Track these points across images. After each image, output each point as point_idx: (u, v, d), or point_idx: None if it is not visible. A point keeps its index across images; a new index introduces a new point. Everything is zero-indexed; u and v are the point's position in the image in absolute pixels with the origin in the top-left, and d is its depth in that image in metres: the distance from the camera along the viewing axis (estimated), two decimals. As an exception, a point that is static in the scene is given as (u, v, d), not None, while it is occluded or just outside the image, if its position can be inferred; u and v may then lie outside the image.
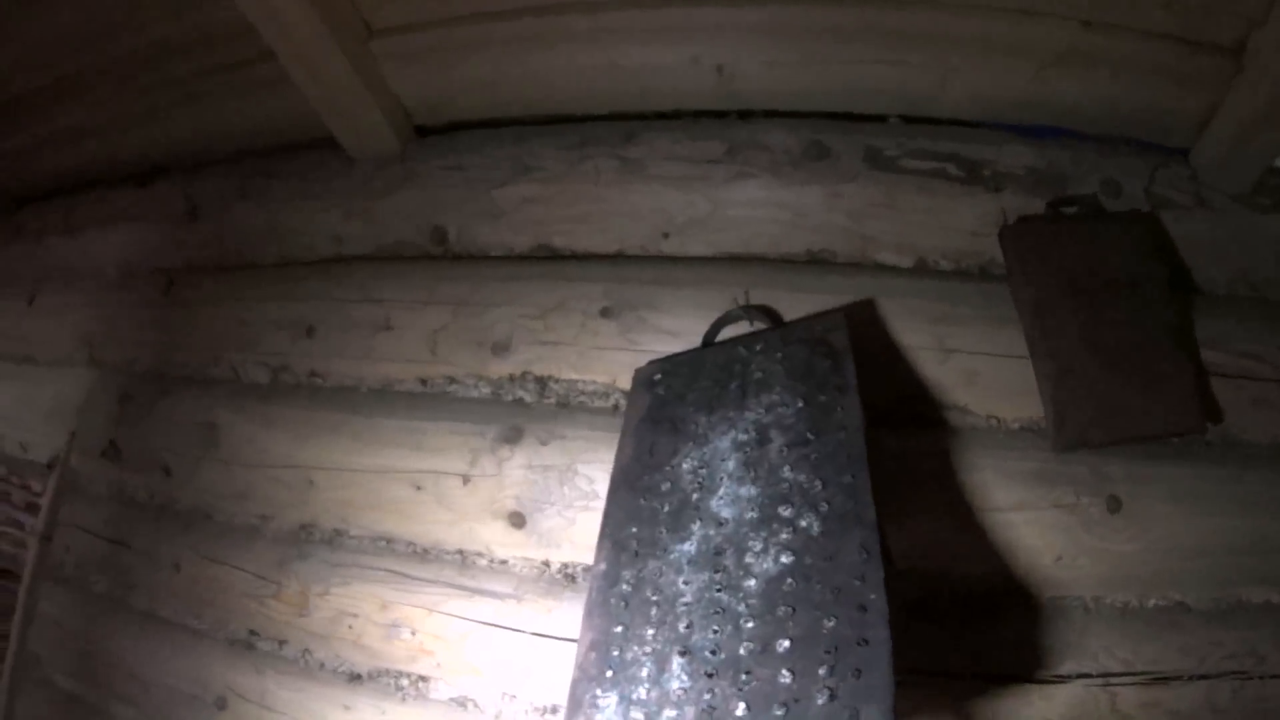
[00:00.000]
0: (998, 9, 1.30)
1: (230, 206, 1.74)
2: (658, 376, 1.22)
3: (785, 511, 1.00)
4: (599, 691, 0.96)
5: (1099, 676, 1.23)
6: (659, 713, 0.92)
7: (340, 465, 1.47)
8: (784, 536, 0.98)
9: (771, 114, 1.45)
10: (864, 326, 1.27)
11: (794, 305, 1.30)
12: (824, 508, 0.99)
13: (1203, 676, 1.26)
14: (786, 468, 1.04)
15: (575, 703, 0.97)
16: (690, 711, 0.90)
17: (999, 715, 1.21)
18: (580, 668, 0.99)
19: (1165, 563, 1.26)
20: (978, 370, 1.27)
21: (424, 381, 1.43)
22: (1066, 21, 1.31)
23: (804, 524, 0.99)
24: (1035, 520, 1.23)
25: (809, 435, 1.06)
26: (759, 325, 1.26)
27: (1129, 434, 1.23)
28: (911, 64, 1.36)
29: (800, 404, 1.10)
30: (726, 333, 1.28)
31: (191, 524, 1.60)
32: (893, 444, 1.23)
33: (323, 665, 1.42)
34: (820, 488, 1.01)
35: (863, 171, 1.37)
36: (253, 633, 1.49)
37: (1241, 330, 1.36)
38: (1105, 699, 1.22)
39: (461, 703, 1.33)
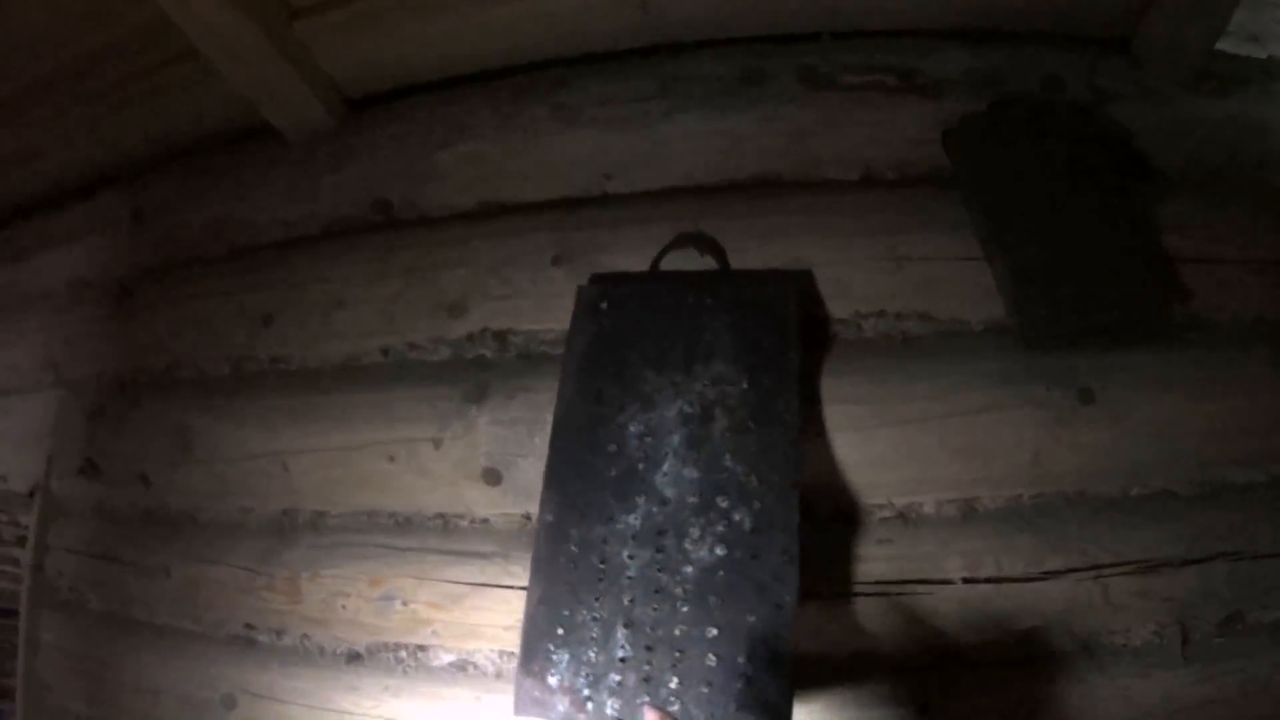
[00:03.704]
0: None
1: (176, 207, 1.70)
2: (604, 305, 1.21)
3: (723, 503, 1.10)
4: (552, 647, 1.08)
5: (1089, 569, 1.20)
6: (605, 675, 1.05)
7: (314, 447, 1.44)
8: (719, 529, 1.08)
9: (702, 44, 1.40)
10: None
11: (744, 230, 1.27)
12: (756, 505, 1.09)
13: (1194, 561, 1.24)
14: (728, 456, 1.12)
15: (530, 652, 1.08)
16: (631, 678, 1.04)
17: (996, 617, 1.19)
18: (531, 619, 1.09)
19: (1144, 451, 1.23)
20: (934, 276, 1.24)
21: (385, 352, 1.40)
22: None
23: (737, 518, 1.09)
24: (1009, 420, 1.20)
25: (750, 424, 1.13)
26: (707, 259, 1.23)
27: (1094, 324, 1.20)
28: None
29: (745, 384, 1.15)
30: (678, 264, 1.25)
31: (177, 528, 1.57)
32: (855, 361, 1.20)
33: (322, 649, 1.40)
34: (755, 484, 1.10)
35: (800, 92, 1.33)
36: (250, 627, 1.46)
37: (1200, 214, 1.33)
38: (1098, 591, 1.20)
39: (462, 666, 1.31)
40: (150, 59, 1.56)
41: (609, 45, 1.42)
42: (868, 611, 1.17)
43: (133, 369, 1.68)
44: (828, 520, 1.18)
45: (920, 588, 1.17)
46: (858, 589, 1.18)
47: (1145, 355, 1.24)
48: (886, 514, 1.19)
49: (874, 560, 1.18)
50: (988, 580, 1.18)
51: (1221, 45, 1.43)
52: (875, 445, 1.19)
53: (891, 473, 1.19)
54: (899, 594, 1.18)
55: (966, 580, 1.18)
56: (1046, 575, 1.19)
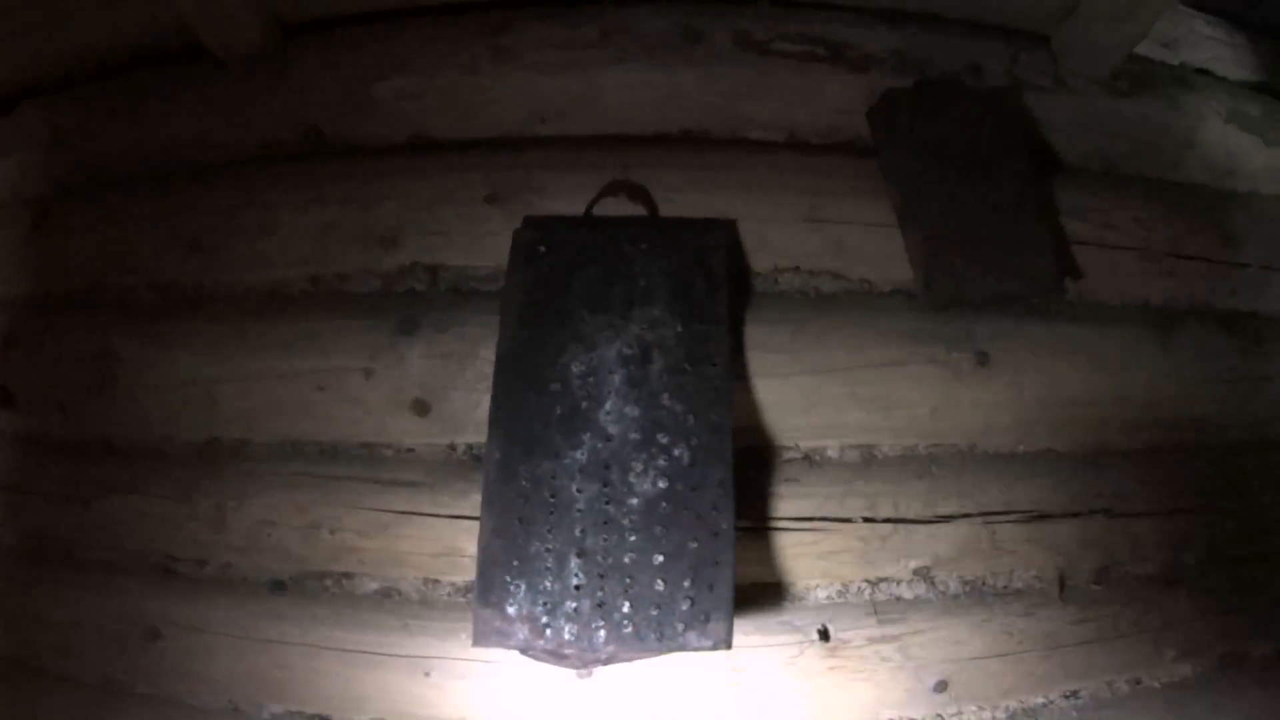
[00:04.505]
0: None
1: (100, 125, 1.64)
2: (541, 249, 1.25)
3: (662, 439, 1.17)
4: (509, 578, 1.12)
5: (979, 515, 1.32)
6: (561, 602, 1.11)
7: (241, 375, 1.43)
8: (661, 463, 1.16)
9: (643, -1, 1.44)
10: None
11: (672, 181, 1.32)
12: (694, 440, 1.17)
13: (1074, 514, 1.38)
14: (665, 395, 1.19)
15: (488, 584, 1.12)
16: (586, 604, 1.11)
17: (896, 552, 1.28)
18: (486, 551, 1.14)
19: (1033, 412, 1.35)
20: (849, 238, 1.32)
21: (314, 280, 1.40)
22: None
23: (677, 453, 1.17)
24: (910, 375, 1.29)
25: (685, 365, 1.20)
26: (636, 205, 1.28)
27: (993, 292, 1.30)
28: None
29: (679, 328, 1.23)
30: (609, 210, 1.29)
31: (94, 457, 1.54)
32: (773, 312, 1.27)
33: (246, 579, 1.41)
34: (692, 421, 1.18)
35: (735, 53, 1.39)
36: (171, 557, 1.45)
37: (1097, 201, 1.45)
38: (987, 535, 1.32)
39: (386, 593, 1.35)
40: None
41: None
42: (775, 544, 1.24)
43: (51, 293, 1.62)
44: (743, 459, 1.25)
45: (822, 524, 1.25)
46: (765, 524, 1.25)
47: (1040, 326, 1.34)
48: (794, 455, 1.27)
49: (781, 498, 1.26)
50: (885, 520, 1.27)
51: (1138, 49, 1.54)
52: (789, 391, 1.27)
53: (801, 417, 1.27)
54: (803, 529, 1.25)
55: (866, 519, 1.26)
56: (940, 519, 1.29)
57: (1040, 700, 1.40)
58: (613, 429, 1.18)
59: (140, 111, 1.61)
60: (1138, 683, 1.46)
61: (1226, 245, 1.54)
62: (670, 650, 1.12)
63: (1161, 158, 1.55)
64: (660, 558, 1.12)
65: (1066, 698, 1.41)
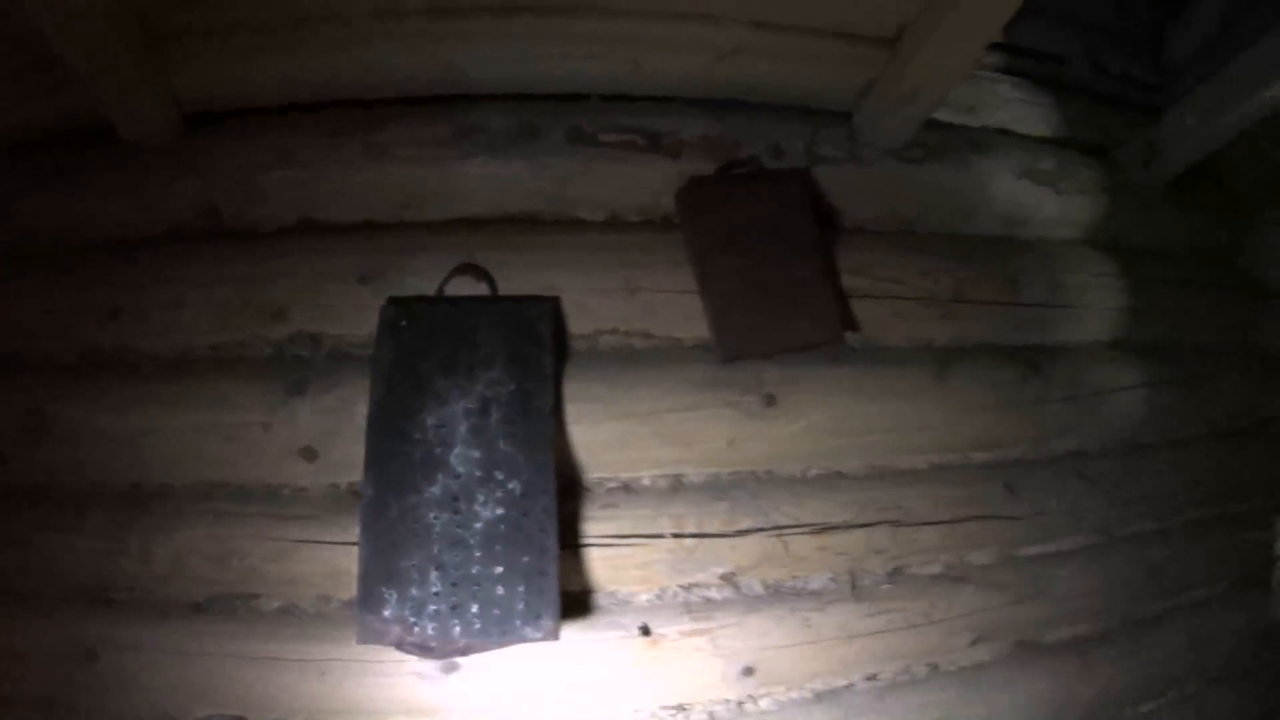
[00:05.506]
0: (680, 14, 1.80)
1: (30, 200, 2.00)
2: (403, 323, 1.73)
3: (499, 475, 1.65)
4: (383, 589, 1.59)
5: (773, 529, 1.82)
6: (425, 606, 1.58)
7: (160, 429, 1.82)
8: (499, 494, 1.64)
9: (494, 97, 1.92)
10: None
11: (513, 258, 1.82)
12: (524, 476, 1.65)
13: (861, 525, 1.88)
14: (501, 440, 1.67)
15: (367, 594, 1.60)
16: (444, 607, 1.58)
17: (702, 561, 1.79)
18: (364, 569, 1.61)
19: (820, 442, 1.86)
20: (658, 303, 1.82)
21: (216, 348, 1.83)
22: (739, 24, 1.82)
23: (511, 487, 1.65)
24: (708, 416, 1.81)
25: (517, 416, 1.68)
26: (481, 283, 1.76)
27: (778, 347, 1.81)
28: (608, 57, 1.86)
29: (513, 385, 1.71)
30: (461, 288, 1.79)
31: (33, 501, 1.86)
32: (592, 369, 1.76)
33: (171, 602, 1.76)
34: (523, 460, 1.66)
35: (566, 146, 1.88)
36: (105, 587, 1.80)
37: (887, 259, 1.97)
38: (781, 545, 1.83)
39: (287, 609, 1.75)
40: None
41: (421, 92, 1.91)
42: (598, 557, 1.74)
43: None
44: (570, 489, 1.73)
45: (638, 540, 1.74)
46: (591, 541, 1.75)
47: (827, 369, 1.86)
48: (613, 485, 1.77)
49: (603, 520, 1.76)
50: (691, 535, 1.77)
51: (941, 116, 2.05)
52: (605, 433, 1.77)
53: (618, 454, 1.78)
54: (623, 544, 1.74)
55: (675, 535, 1.76)
56: (739, 533, 1.79)
57: (842, 683, 1.91)
58: (460, 468, 1.66)
59: (64, 187, 1.99)
60: (935, 667, 1.98)
61: (1011, 287, 2.04)
62: (511, 642, 1.61)
63: (952, 215, 2.05)
64: (500, 569, 1.61)
65: (867, 680, 1.93)
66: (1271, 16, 2.04)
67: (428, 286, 1.80)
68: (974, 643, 2.00)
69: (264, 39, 1.78)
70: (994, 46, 2.20)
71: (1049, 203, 2.17)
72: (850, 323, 1.91)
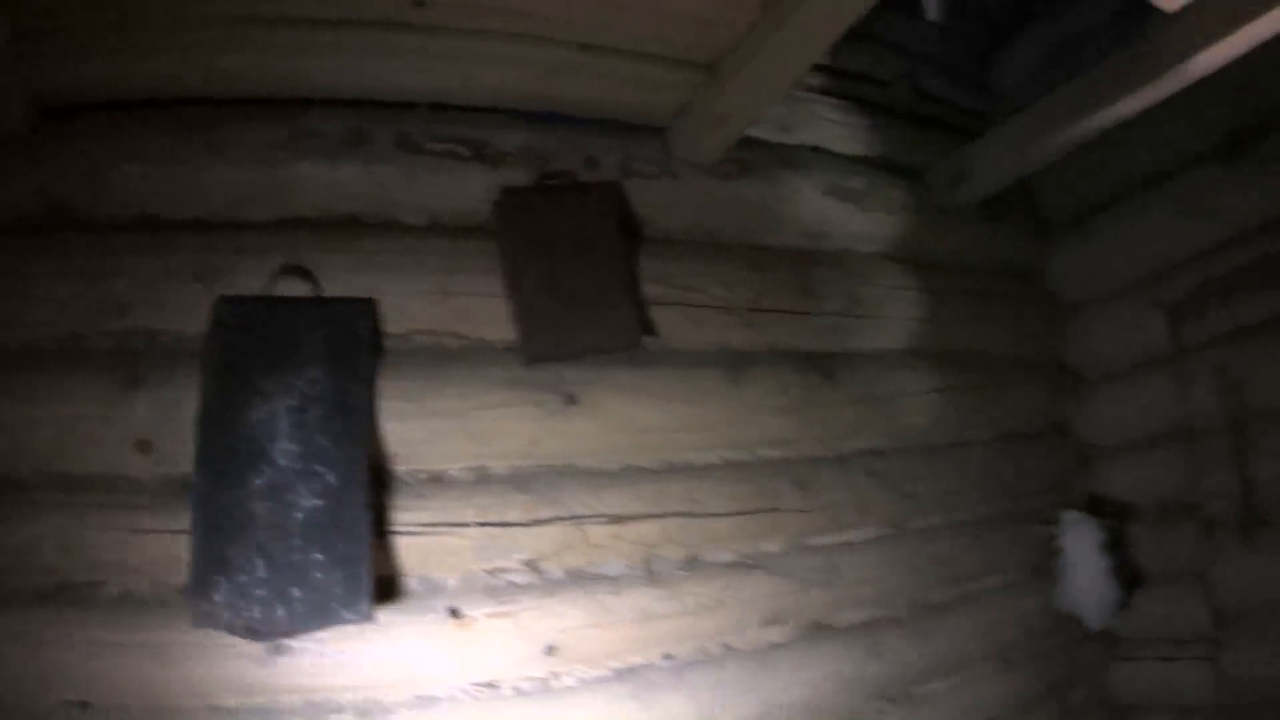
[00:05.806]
0: (512, 34, 1.99)
1: None
2: (231, 321, 1.94)
3: (318, 468, 1.86)
4: (214, 575, 1.77)
5: (571, 519, 2.09)
6: (251, 591, 1.77)
7: (3, 420, 1.93)
8: (317, 486, 1.85)
9: (329, 102, 2.12)
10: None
11: (338, 259, 2.04)
12: (341, 469, 1.87)
13: (655, 516, 2.16)
14: (320, 435, 1.88)
15: (199, 582, 1.79)
16: (269, 592, 1.78)
17: (505, 548, 2.04)
18: (196, 559, 1.78)
19: (618, 438, 2.14)
20: (471, 306, 2.07)
21: (58, 340, 1.99)
22: (567, 45, 2.03)
23: (329, 479, 1.86)
24: (513, 413, 2.08)
25: (335, 413, 1.91)
26: (307, 283, 1.98)
27: (578, 350, 2.07)
28: (438, 71, 2.09)
29: (332, 384, 1.93)
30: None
31: None
32: (408, 367, 2.00)
33: (19, 592, 1.81)
34: (339, 454, 1.88)
35: (393, 153, 2.12)
36: None
37: (690, 268, 2.25)
38: (579, 534, 2.11)
39: (126, 595, 1.84)
40: None
41: (259, 93, 2.11)
42: (410, 544, 1.98)
43: None
44: (383, 482, 1.97)
45: (446, 528, 1.99)
46: (404, 529, 1.99)
47: (625, 372, 2.13)
48: (423, 477, 2.02)
49: (415, 509, 2.00)
50: (495, 524, 2.02)
51: (757, 133, 2.30)
52: (417, 428, 1.99)
53: (427, 448, 2.03)
54: (432, 533, 1.99)
55: (480, 524, 2.01)
56: (539, 522, 2.05)
57: (640, 661, 2.20)
58: (282, 461, 1.87)
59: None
60: (728, 647, 2.27)
61: (809, 297, 2.33)
62: (330, 624, 1.83)
63: (756, 228, 2.33)
64: (320, 556, 1.81)
65: (665, 659, 2.21)
66: (1092, 58, 2.30)
67: (260, 285, 2.01)
68: (766, 624, 2.29)
69: (122, 40, 1.92)
70: (817, 68, 2.47)
71: (853, 218, 2.47)
72: (649, 328, 2.18)
